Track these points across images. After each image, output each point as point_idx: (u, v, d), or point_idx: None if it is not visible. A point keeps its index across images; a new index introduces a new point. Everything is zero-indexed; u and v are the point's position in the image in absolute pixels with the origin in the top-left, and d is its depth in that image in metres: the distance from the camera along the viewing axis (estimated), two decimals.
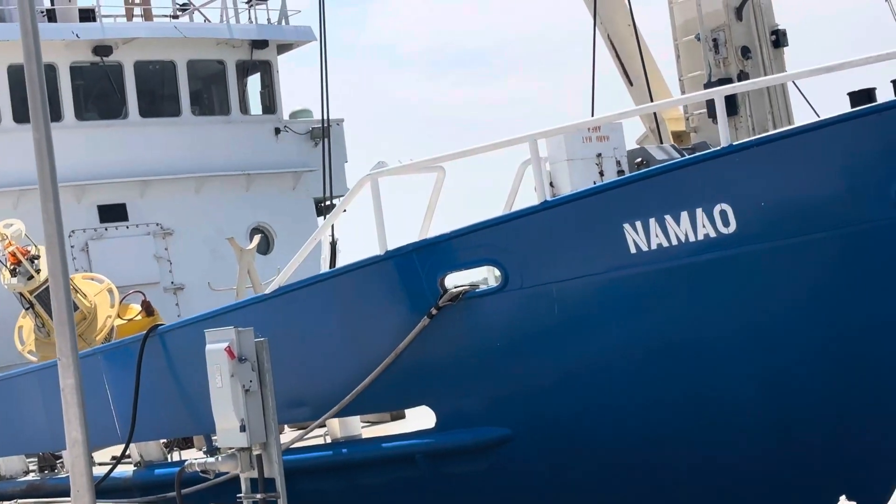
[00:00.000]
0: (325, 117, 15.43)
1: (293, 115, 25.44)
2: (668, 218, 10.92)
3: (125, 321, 19.60)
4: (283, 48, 25.04)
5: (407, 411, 14.55)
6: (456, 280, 12.32)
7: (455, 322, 12.03)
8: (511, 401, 12.09)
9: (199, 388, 13.64)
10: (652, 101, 14.97)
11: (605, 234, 11.22)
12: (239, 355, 11.29)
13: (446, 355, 12.19)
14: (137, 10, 25.63)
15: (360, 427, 13.63)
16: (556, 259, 11.49)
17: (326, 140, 15.35)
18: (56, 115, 22.85)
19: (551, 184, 12.61)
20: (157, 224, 23.36)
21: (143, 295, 20.44)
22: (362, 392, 12.44)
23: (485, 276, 13.25)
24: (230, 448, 11.50)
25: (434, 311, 12.00)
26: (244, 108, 24.67)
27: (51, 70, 22.67)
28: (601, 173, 12.72)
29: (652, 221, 11.00)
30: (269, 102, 24.94)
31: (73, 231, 22.31)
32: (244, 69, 24.53)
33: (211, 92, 24.95)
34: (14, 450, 16.28)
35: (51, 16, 23.98)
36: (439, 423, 12.50)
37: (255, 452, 11.41)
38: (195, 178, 23.75)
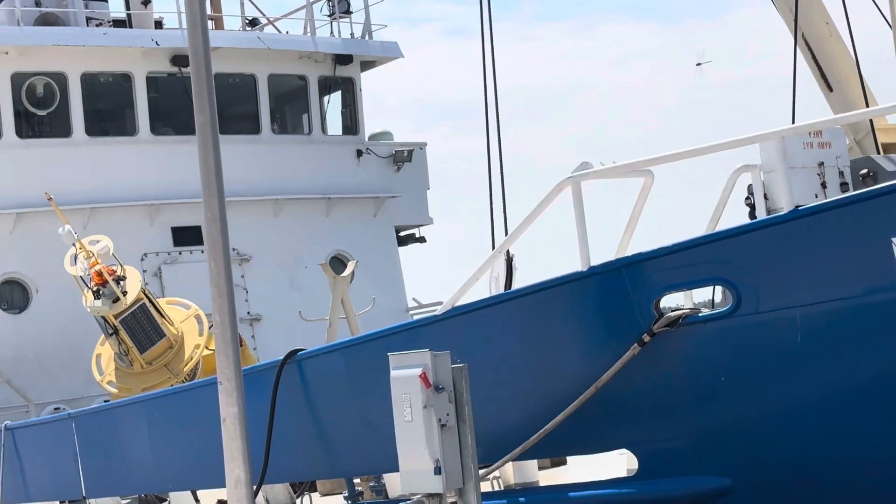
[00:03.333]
0: (495, 119, 13.63)
1: (373, 137, 23.80)
2: None
3: (210, 351, 17.90)
4: (367, 65, 23.42)
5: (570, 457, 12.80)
6: (668, 302, 10.63)
7: (671, 351, 10.31)
8: (733, 445, 10.35)
9: (345, 424, 11.95)
10: (866, 105, 13.35)
11: (868, 251, 9.53)
12: (435, 383, 9.54)
13: (656, 389, 10.45)
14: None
15: (538, 472, 11.88)
16: (803, 279, 9.78)
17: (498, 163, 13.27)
18: (130, 129, 21.26)
19: (765, 195, 10.95)
20: (234, 249, 21.63)
21: None
22: (550, 431, 10.69)
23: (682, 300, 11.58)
24: (417, 494, 9.73)
25: (647, 338, 10.28)
26: (323, 128, 23.04)
27: (126, 80, 21.08)
28: (823, 185, 11.04)
29: None
30: (351, 122, 23.31)
31: (145, 254, 20.63)
32: (326, 86, 22.92)
33: (284, 109, 23.31)
34: (109, 490, 14.46)
35: (118, 23, 22.38)
36: (642, 470, 10.74)
37: (450, 500, 9.63)
38: (274, 200, 22.08)
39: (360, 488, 12.52)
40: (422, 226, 24.31)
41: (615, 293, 10.42)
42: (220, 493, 14.84)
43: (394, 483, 12.29)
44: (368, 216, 23.16)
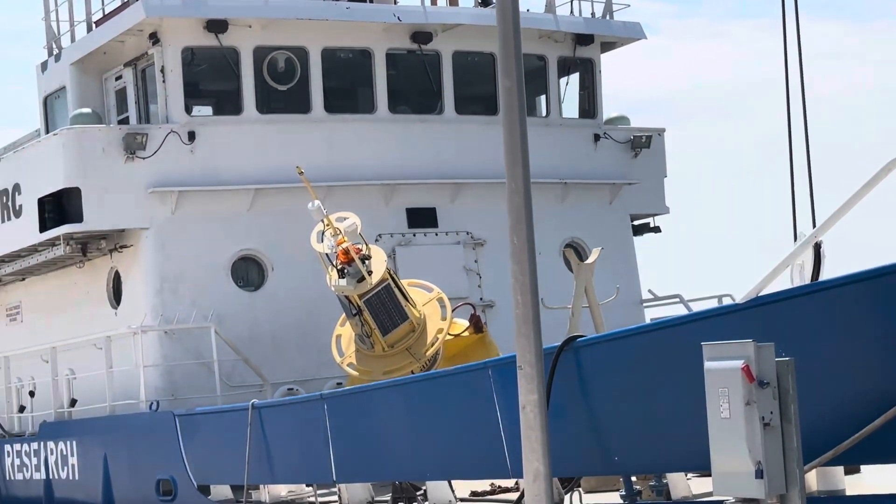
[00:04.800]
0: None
1: (609, 121, 22.84)
2: None
3: (451, 336, 17.26)
4: (607, 46, 22.49)
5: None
6: None
7: None
8: None
9: (626, 417, 11.12)
10: None
11: None
12: (759, 378, 8.63)
13: None
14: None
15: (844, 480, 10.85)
16: None
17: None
18: (368, 106, 20.77)
19: None
20: (468, 233, 21.01)
21: (474, 308, 18.10)
22: (869, 434, 9.68)
23: None
24: (731, 498, 8.84)
25: None
26: (560, 111, 22.21)
27: (365, 56, 20.58)
28: None
29: None
30: (589, 106, 22.41)
31: (379, 235, 20.07)
32: (565, 67, 22.07)
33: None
34: (361, 476, 13.93)
35: None
36: None
37: None
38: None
39: (637, 487, 11.68)
40: (657, 215, 23.30)
41: None
42: (474, 485, 14.22)
43: (677, 483, 11.43)
44: (604, 203, 22.25)
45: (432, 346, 16.67)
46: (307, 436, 14.14)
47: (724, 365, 8.83)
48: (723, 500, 8.99)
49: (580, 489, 12.33)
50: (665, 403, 10.58)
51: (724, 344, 9.00)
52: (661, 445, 10.80)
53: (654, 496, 11.56)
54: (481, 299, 20.83)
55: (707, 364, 9.03)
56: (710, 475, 11.25)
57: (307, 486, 15.14)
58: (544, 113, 22.10)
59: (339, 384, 18.59)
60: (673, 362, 10.40)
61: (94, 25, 21.18)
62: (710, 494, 11.52)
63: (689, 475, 12.27)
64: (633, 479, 11.74)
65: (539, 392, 8.80)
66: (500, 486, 14.07)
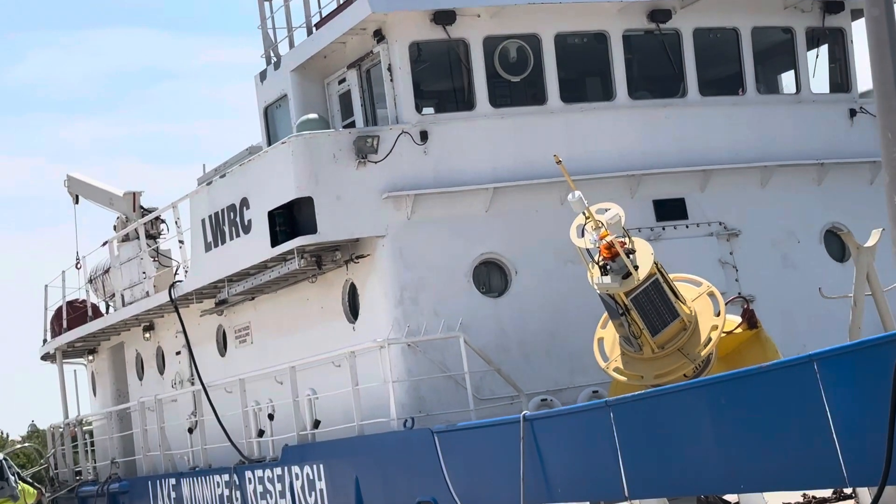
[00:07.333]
0: None
1: (864, 95, 20.98)
2: None
3: (723, 334, 15.70)
4: (858, 13, 20.68)
5: None
6: None
7: None
8: None
9: None
10: None
11: None
12: None
13: None
14: None
15: None
16: None
17: None
18: (605, 93, 19.38)
19: None
20: (720, 223, 19.42)
21: (746, 302, 16.52)
22: None
23: None
24: None
25: None
26: (809, 86, 20.48)
27: (600, 40, 19.20)
28: None
29: None
30: (842, 79, 20.61)
31: (626, 230, 18.57)
32: (814, 39, 20.33)
33: (756, 68, 20.80)
34: (658, 490, 12.50)
35: None
36: None
37: None
38: (761, 168, 19.70)
39: None
40: None
41: None
42: (785, 496, 12.67)
43: None
44: (864, 184, 20.41)
45: (706, 345, 15.16)
46: (590, 448, 12.79)
47: None
48: None
49: None
50: None
51: None
52: None
53: None
54: (739, 293, 19.19)
55: None
56: None
57: (591, 503, 13.77)
58: (793, 90, 20.42)
59: (596, 392, 17.25)
60: None
61: (314, 29, 20.28)
62: None
63: None
64: None
65: None
66: (813, 497, 12.49)
